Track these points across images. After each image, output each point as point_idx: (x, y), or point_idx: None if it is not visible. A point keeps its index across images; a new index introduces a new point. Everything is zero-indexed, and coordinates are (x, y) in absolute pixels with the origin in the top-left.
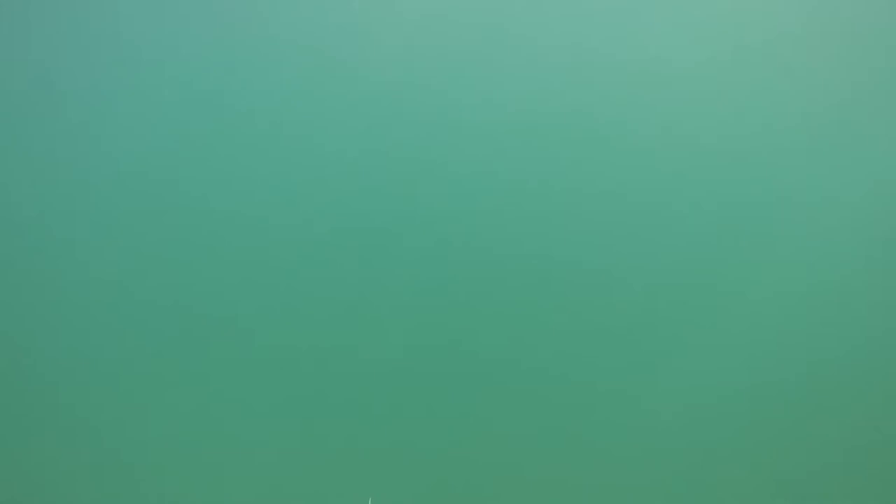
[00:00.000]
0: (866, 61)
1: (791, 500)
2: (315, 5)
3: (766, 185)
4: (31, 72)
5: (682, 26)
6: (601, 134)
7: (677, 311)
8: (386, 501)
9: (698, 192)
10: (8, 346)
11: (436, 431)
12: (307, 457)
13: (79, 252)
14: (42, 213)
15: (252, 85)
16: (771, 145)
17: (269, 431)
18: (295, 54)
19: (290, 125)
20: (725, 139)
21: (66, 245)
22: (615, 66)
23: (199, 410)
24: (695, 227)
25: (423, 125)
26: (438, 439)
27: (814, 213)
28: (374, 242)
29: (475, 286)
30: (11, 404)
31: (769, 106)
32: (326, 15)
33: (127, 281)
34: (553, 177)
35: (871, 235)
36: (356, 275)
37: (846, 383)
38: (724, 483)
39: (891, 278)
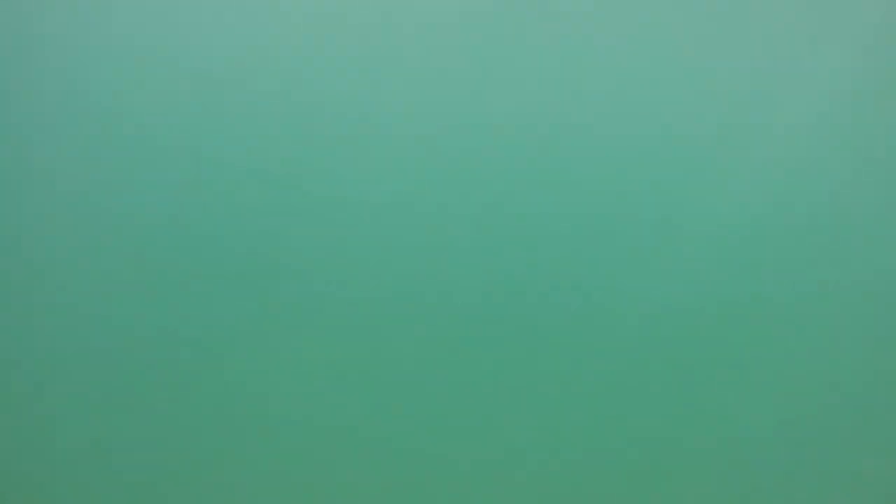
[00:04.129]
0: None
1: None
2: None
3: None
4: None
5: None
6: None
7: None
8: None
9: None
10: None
11: (432, 435)
12: (302, 458)
13: (77, 262)
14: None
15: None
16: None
17: (263, 438)
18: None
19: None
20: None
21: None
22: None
23: (194, 414)
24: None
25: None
26: (433, 443)
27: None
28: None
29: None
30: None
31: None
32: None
33: (121, 293)
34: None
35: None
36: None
37: (846, 386)
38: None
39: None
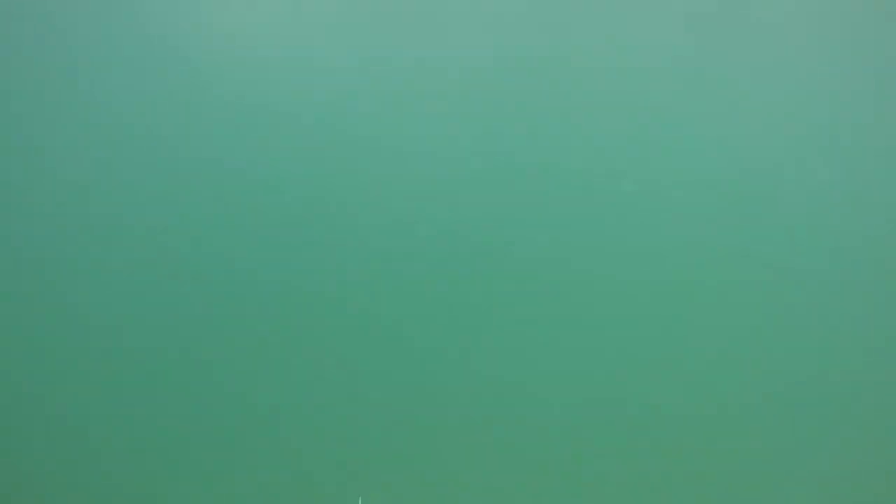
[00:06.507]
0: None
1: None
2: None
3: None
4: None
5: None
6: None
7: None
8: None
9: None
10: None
11: (434, 434)
12: (303, 455)
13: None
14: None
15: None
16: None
17: (264, 431)
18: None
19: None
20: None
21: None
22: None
23: (195, 410)
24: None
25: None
26: (437, 442)
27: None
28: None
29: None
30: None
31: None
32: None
33: (125, 284)
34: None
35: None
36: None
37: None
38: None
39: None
